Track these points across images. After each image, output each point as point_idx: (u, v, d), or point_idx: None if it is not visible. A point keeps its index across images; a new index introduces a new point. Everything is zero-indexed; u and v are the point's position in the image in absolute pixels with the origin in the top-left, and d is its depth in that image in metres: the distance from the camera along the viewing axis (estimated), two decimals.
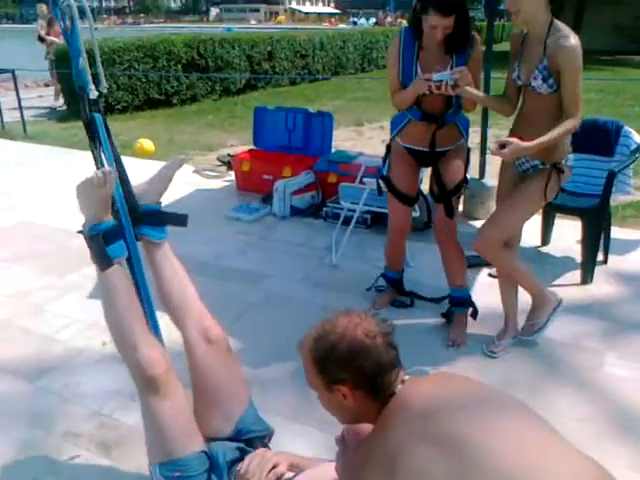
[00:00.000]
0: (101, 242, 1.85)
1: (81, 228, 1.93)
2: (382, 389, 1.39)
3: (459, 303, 3.15)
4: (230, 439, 1.95)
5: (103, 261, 1.87)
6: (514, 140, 2.49)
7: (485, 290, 3.39)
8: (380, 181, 3.21)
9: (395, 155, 3.08)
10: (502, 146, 2.49)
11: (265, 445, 2.00)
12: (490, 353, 2.91)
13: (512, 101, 2.72)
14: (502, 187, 2.85)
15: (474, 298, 3.20)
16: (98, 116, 1.96)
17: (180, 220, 2.11)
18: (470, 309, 3.15)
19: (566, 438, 1.29)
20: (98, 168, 1.93)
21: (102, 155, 1.98)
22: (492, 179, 4.49)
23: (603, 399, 2.58)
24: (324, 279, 3.71)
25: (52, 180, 5.78)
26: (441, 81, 2.65)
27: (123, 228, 1.95)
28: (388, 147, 3.14)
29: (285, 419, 2.42)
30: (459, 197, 3.11)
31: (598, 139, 3.79)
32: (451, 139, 2.97)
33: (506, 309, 3.01)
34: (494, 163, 4.65)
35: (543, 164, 2.64)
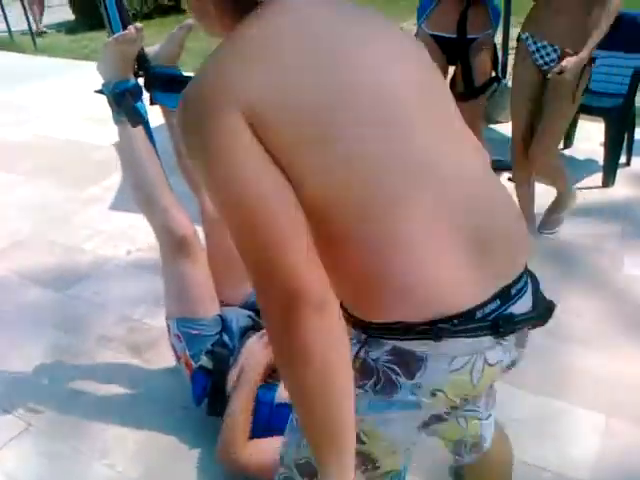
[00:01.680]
0: (130, 98, 1.82)
1: (100, 88, 1.86)
2: None
3: None
4: (242, 307, 2.05)
5: (134, 117, 1.84)
6: (570, 59, 2.44)
7: None
8: None
9: None
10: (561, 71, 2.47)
11: None
12: None
13: None
14: (520, 84, 2.82)
15: None
16: None
17: None
18: None
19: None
20: (111, 32, 1.84)
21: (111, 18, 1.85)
22: None
23: (621, 300, 2.61)
24: None
25: (66, 93, 5.72)
26: None
27: (142, 90, 1.90)
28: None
29: None
30: (485, 95, 3.05)
31: (625, 34, 3.60)
32: (480, 25, 2.85)
33: (525, 214, 3.02)
34: None
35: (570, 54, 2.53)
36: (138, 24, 1.80)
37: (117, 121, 1.87)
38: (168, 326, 1.98)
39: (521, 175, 2.97)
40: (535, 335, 2.42)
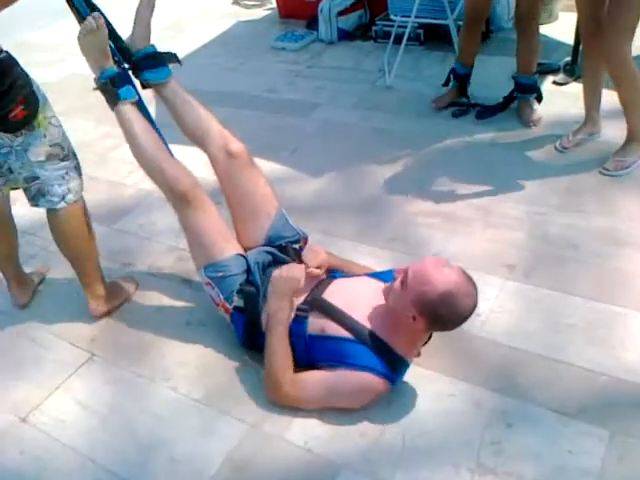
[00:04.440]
0: (110, 86, 1.98)
1: (94, 85, 2.04)
2: None
3: (526, 89, 3.15)
4: (263, 246, 2.10)
5: (113, 100, 2.01)
6: None
7: (550, 97, 3.23)
8: None
9: None
10: None
11: (298, 251, 2.09)
12: (561, 148, 2.88)
13: None
14: None
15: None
16: None
17: (173, 58, 2.19)
18: (535, 94, 3.16)
19: None
20: (80, 23, 1.96)
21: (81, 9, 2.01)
22: None
23: None
24: (379, 102, 3.60)
25: None
26: None
27: (128, 75, 2.06)
28: None
29: (352, 241, 2.49)
30: None
31: None
32: None
33: (587, 105, 2.88)
34: None
35: None
36: (96, 13, 1.93)
37: (110, 107, 2.04)
38: (201, 278, 2.06)
39: (588, 65, 2.80)
40: (589, 241, 2.40)
